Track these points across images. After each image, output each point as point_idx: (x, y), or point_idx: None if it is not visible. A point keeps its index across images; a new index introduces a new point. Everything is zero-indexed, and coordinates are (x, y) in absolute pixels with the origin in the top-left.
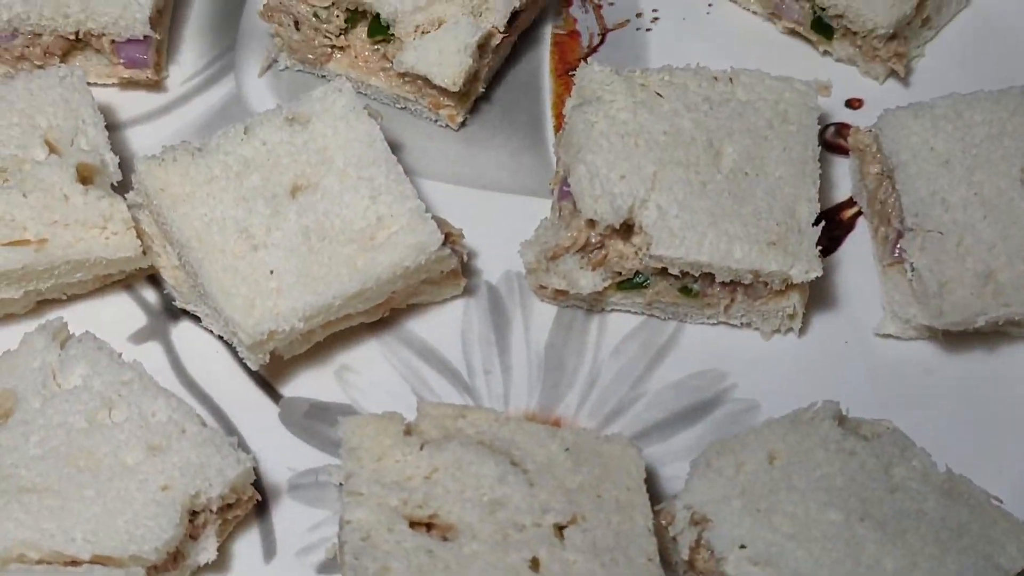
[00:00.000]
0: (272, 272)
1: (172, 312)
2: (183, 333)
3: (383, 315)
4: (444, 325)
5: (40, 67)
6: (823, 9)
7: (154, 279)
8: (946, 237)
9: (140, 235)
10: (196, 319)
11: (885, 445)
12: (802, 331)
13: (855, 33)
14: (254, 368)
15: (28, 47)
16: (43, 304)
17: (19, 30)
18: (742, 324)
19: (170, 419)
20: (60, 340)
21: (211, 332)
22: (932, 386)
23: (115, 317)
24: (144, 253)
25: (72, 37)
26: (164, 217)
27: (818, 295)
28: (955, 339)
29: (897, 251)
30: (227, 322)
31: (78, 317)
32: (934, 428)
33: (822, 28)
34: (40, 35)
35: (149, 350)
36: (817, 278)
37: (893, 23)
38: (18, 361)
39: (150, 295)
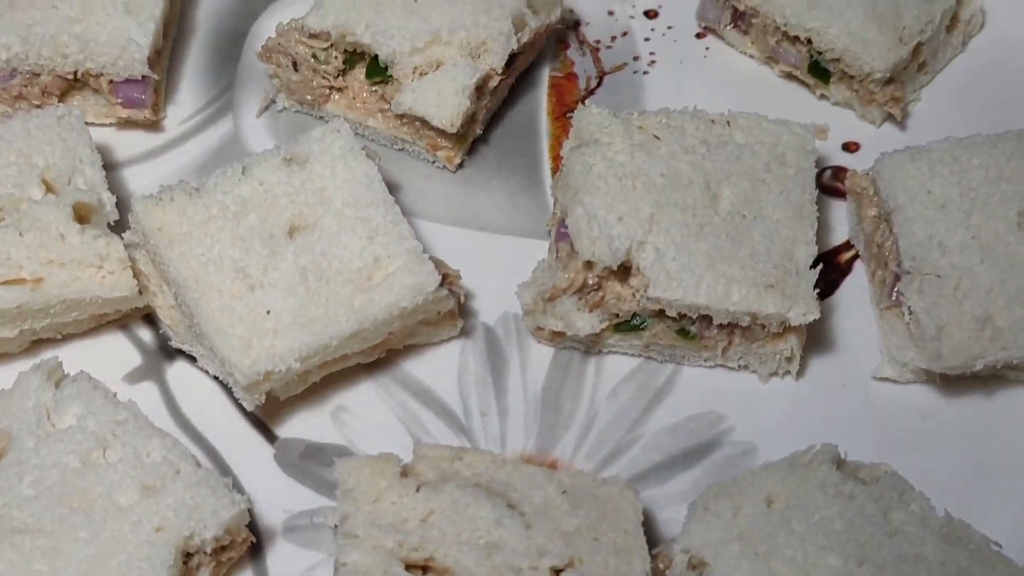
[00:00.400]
0: (269, 312)
1: (168, 352)
2: (178, 373)
3: (379, 356)
4: (441, 366)
5: (38, 106)
6: (820, 53)
7: (150, 319)
8: (944, 281)
9: (136, 275)
10: (192, 359)
11: (884, 489)
12: (800, 374)
13: (852, 77)
14: (250, 408)
15: (26, 87)
16: (38, 343)
17: (17, 70)
18: (740, 367)
19: (165, 459)
20: (55, 380)
21: (207, 372)
22: (930, 430)
23: (110, 357)
24: (140, 293)
25: (70, 77)
26: (161, 257)
27: (815, 338)
28: (953, 383)
29: (895, 294)
30: (223, 362)
31: (73, 356)
32: (933, 472)
33: (819, 72)
34: (38, 75)
35: (144, 390)
36: (815, 321)
37: (890, 67)
38: (12, 401)
39: (146, 335)
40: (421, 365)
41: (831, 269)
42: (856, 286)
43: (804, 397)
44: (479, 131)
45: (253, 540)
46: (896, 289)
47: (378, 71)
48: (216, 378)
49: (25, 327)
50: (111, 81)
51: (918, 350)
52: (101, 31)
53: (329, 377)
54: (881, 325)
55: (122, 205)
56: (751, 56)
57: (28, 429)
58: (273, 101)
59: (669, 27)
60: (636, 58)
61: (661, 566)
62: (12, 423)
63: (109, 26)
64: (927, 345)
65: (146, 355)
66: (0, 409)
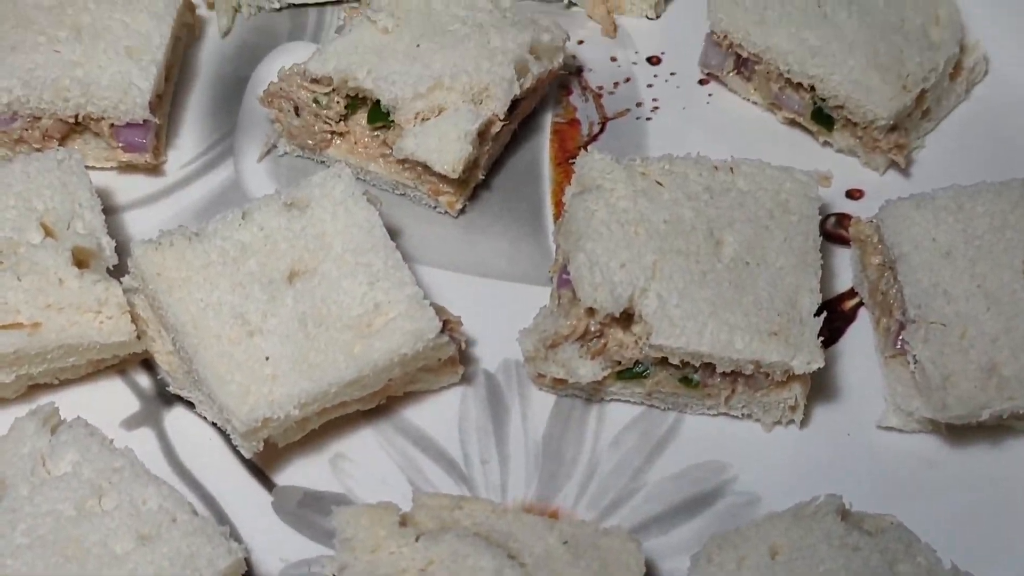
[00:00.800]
0: (267, 358)
1: (165, 398)
2: (176, 419)
3: (379, 403)
4: (441, 413)
5: (39, 150)
6: (823, 100)
7: (148, 364)
8: (949, 329)
9: (135, 320)
10: (190, 405)
11: (889, 540)
12: (804, 423)
13: (856, 124)
14: (247, 456)
15: (27, 130)
16: (35, 389)
17: (19, 113)
18: (743, 415)
19: (161, 507)
20: (51, 426)
21: (205, 418)
22: (936, 480)
23: (107, 402)
24: (139, 338)
25: (71, 121)
26: (159, 302)
27: (819, 386)
28: (959, 432)
29: (899, 343)
30: (221, 409)
31: (70, 402)
32: (938, 523)
33: (822, 119)
34: (39, 118)
35: (141, 436)
36: (819, 369)
37: (894, 115)
38: (7, 447)
39: (143, 380)
40: (421, 412)
41: (835, 317)
42: (860, 334)
43: (808, 446)
44: (481, 176)
45: None
46: (901, 337)
47: (380, 116)
48: (214, 424)
49: (22, 372)
50: (112, 125)
51: (923, 399)
52: (103, 75)
53: (328, 424)
54: (886, 374)
55: (121, 249)
56: (754, 103)
57: (23, 476)
58: (274, 146)
59: (672, 73)
60: (639, 104)
61: None
62: (6, 470)
63: (111, 70)
64: (932, 394)
65: (144, 401)
66: None
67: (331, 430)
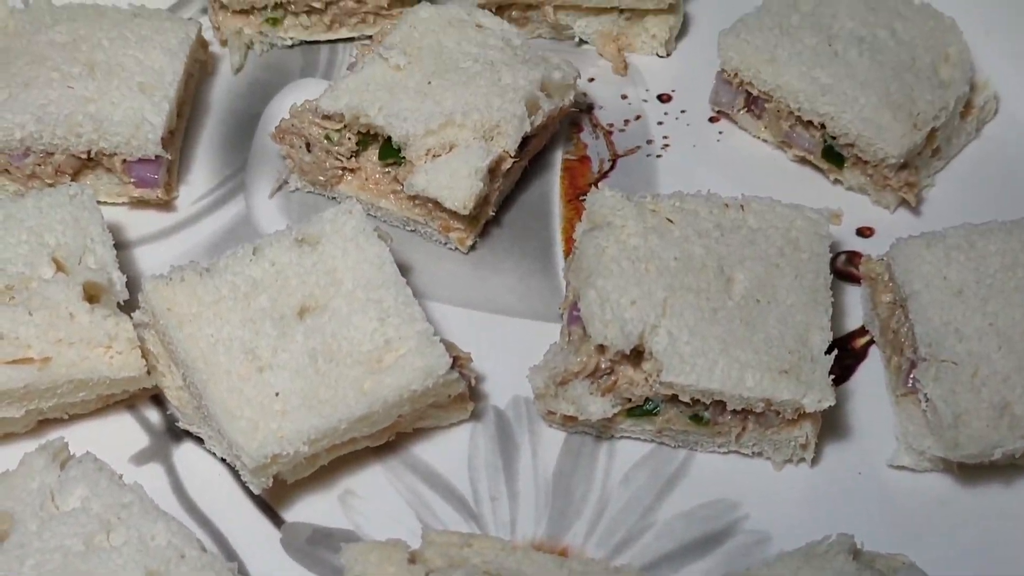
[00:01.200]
0: (277, 394)
1: (175, 433)
2: (185, 455)
3: (388, 439)
4: (450, 450)
5: (51, 185)
6: (834, 138)
7: (157, 399)
8: (961, 368)
9: (145, 355)
10: (199, 441)
11: None
12: (815, 461)
13: (866, 162)
14: (257, 492)
15: (40, 165)
16: (44, 423)
17: (31, 149)
18: (754, 453)
19: (169, 543)
20: (60, 461)
21: (214, 454)
22: (947, 519)
23: (117, 437)
24: (149, 373)
25: (84, 156)
26: (170, 337)
27: (831, 425)
28: (970, 471)
29: (911, 381)
30: (230, 444)
31: (79, 437)
32: (950, 562)
33: (833, 157)
34: (52, 154)
35: (150, 471)
36: (830, 407)
37: (904, 153)
38: (16, 482)
39: (153, 415)
40: (431, 449)
41: (846, 355)
42: (871, 372)
43: (819, 485)
44: (492, 213)
45: None
46: (912, 376)
47: (391, 153)
48: (223, 460)
49: (31, 407)
50: (124, 160)
51: (935, 438)
52: (115, 111)
53: (337, 460)
54: (897, 412)
55: (132, 284)
56: (764, 140)
57: (32, 511)
58: (286, 182)
59: (682, 111)
60: (649, 142)
61: None
62: (15, 505)
63: (123, 106)
64: (944, 433)
65: (153, 436)
66: (3, 490)
67: (340, 466)
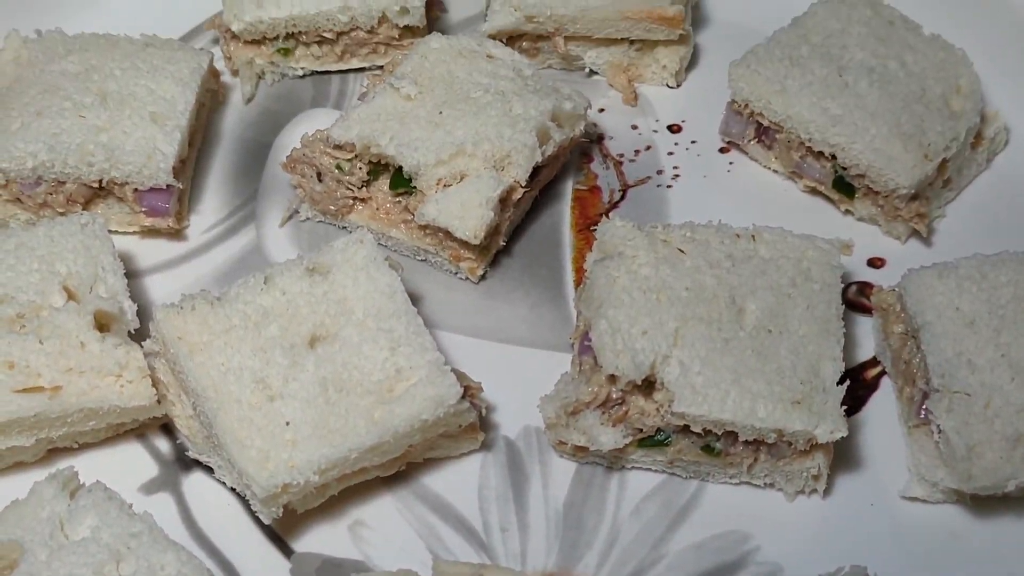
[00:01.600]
0: (288, 423)
1: (184, 463)
2: (195, 484)
3: (399, 469)
4: (461, 480)
5: (62, 214)
6: (845, 168)
7: (167, 428)
8: (973, 399)
9: (155, 384)
10: (208, 470)
11: None
12: (827, 492)
13: (877, 193)
14: (266, 522)
15: (51, 194)
16: (54, 452)
17: (43, 178)
18: (765, 484)
19: (179, 573)
20: (70, 490)
21: (223, 484)
22: (960, 551)
23: (126, 467)
24: (159, 402)
25: (95, 185)
26: (180, 366)
27: (843, 456)
28: (983, 503)
29: (923, 412)
30: (240, 474)
31: (89, 466)
32: None
33: (843, 187)
34: (64, 183)
35: (160, 501)
36: (842, 438)
37: (915, 183)
38: (26, 511)
39: (163, 444)
40: (441, 479)
41: (858, 386)
42: (883, 403)
43: (831, 516)
44: (502, 243)
45: None
46: (924, 407)
47: (402, 182)
48: (233, 490)
49: (41, 436)
50: (135, 190)
51: (948, 470)
52: (127, 140)
53: (347, 490)
54: (909, 443)
55: (143, 313)
56: (775, 171)
57: (41, 540)
58: (296, 211)
59: (693, 141)
60: (660, 172)
61: None
62: (25, 534)
63: (135, 135)
64: (957, 465)
65: (163, 466)
66: (13, 519)
67: (350, 496)
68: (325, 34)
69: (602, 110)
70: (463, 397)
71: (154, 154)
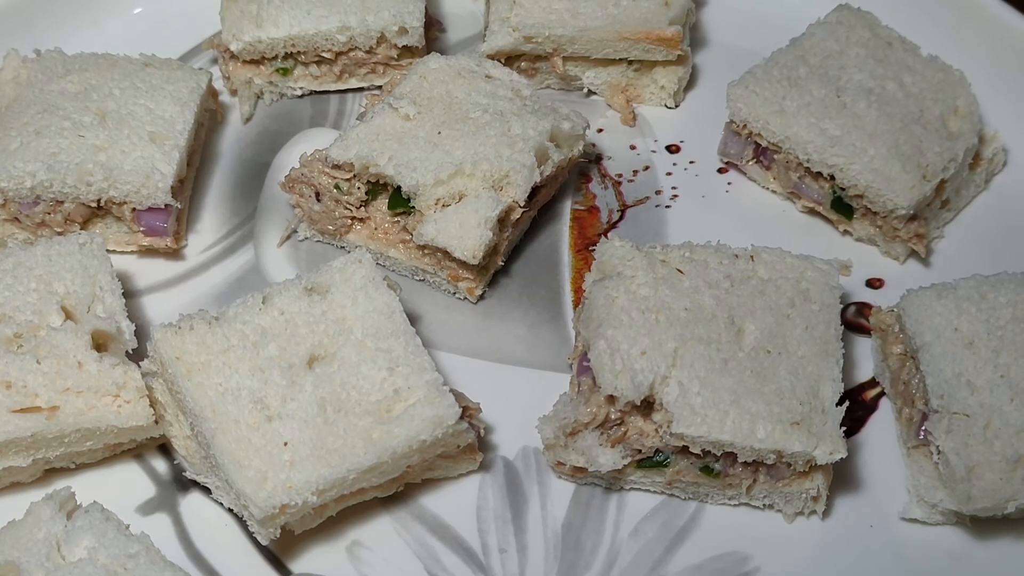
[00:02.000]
0: (286, 444)
1: (182, 483)
2: (192, 505)
3: (397, 490)
4: (459, 501)
5: (60, 233)
6: (843, 189)
7: (164, 449)
8: (973, 420)
9: (153, 404)
10: (206, 491)
11: None
12: (826, 514)
13: (875, 213)
14: (264, 543)
15: (49, 214)
16: (51, 472)
17: (41, 197)
18: (764, 506)
19: None
20: (67, 511)
21: (221, 504)
22: (959, 573)
23: (124, 487)
24: (156, 422)
25: (94, 205)
26: (178, 386)
27: (842, 477)
28: (983, 525)
29: (922, 433)
30: (238, 495)
31: (86, 486)
32: None
33: (842, 208)
34: (62, 202)
35: (157, 522)
36: (841, 460)
37: (913, 204)
38: (23, 532)
39: (160, 465)
40: (439, 500)
41: (857, 407)
42: (882, 424)
43: (830, 538)
44: (501, 263)
45: None
46: (924, 428)
47: (400, 202)
48: (230, 511)
49: (38, 456)
50: (134, 209)
51: (947, 491)
52: (126, 160)
53: (345, 511)
54: (909, 464)
55: (141, 333)
56: (773, 191)
57: (38, 561)
58: (295, 231)
59: (691, 162)
60: (658, 192)
61: None
62: (21, 555)
63: (134, 155)
64: (957, 486)
65: (160, 486)
66: (10, 540)
67: (348, 517)
68: (324, 54)
69: (600, 130)
70: (461, 417)
71: (153, 174)
